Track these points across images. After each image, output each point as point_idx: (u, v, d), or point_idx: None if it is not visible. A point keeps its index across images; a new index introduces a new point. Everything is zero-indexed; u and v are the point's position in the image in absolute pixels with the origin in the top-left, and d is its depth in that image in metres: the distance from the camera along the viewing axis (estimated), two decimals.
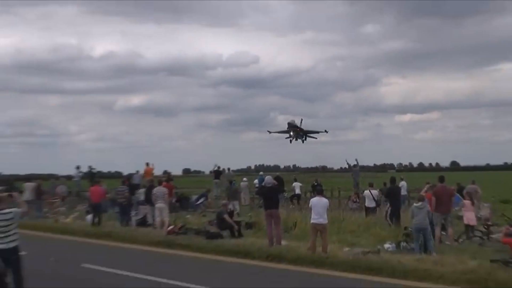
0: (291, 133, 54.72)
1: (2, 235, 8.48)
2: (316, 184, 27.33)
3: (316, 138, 58.12)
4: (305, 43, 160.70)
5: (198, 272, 12.69)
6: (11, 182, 26.70)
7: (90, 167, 29.79)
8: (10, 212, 8.73)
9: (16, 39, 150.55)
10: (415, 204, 14.53)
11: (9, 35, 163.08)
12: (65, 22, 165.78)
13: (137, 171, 27.16)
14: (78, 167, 29.90)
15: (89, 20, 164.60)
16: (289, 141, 56.11)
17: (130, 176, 26.80)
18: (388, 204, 19.33)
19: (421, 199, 14.71)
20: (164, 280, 11.23)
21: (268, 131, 58.02)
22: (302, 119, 56.18)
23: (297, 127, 54.05)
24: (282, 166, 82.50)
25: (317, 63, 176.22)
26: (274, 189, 15.80)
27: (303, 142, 55.96)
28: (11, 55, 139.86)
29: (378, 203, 22.21)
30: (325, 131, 54.87)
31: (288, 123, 54.54)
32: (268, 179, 16.58)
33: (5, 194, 11.18)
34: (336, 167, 64.02)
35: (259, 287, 11.14)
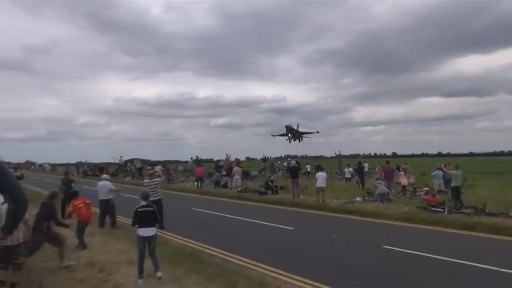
0: (289, 135, 59.69)
1: (153, 192, 11.91)
2: (318, 165, 34.96)
3: (309, 138, 62.36)
4: (310, 89, 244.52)
5: (254, 213, 17.12)
6: (154, 164, 37.67)
7: (197, 156, 41.47)
8: (156, 180, 13.23)
9: (159, 89, 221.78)
10: (376, 182, 18.89)
11: (155, 87, 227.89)
12: (184, 80, 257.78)
13: (222, 160, 35.50)
14: (192, 157, 42.24)
15: (197, 79, 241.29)
16: (290, 141, 60.77)
17: (218, 161, 35.49)
18: (357, 176, 25.91)
19: (378, 178, 19.56)
20: (230, 215, 16.04)
21: (272, 135, 63.43)
22: (298, 124, 61.25)
23: (293, 129, 59.09)
24: (299, 155, 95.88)
25: (317, 100, 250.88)
26: (296, 168, 21.50)
27: (299, 141, 60.69)
28: (155, 98, 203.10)
29: (352, 176, 28.63)
30: (317, 131, 59.93)
31: (286, 126, 59.14)
32: (293, 162, 22.74)
33: (152, 171, 17.00)
34: (328, 156, 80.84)
35: (289, 220, 14.89)
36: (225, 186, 26.11)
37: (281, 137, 61.73)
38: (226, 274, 7.87)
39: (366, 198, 19.05)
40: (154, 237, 7.61)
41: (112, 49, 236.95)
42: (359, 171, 26.07)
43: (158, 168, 30.04)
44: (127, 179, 37.02)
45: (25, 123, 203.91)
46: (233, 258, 9.52)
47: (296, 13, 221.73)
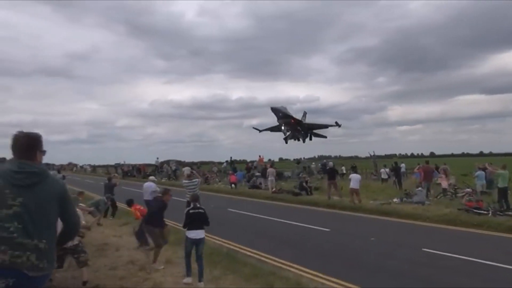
0: (283, 127, 37.21)
1: (191, 191, 12.26)
2: (353, 166, 34.40)
3: (325, 137, 40.76)
4: (343, 89, 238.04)
5: (288, 213, 17.11)
6: (191, 165, 38.37)
7: (231, 157, 41.03)
8: (195, 181, 13.46)
9: (193, 92, 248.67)
10: (417, 189, 18.32)
11: (189, 89, 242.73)
12: (217, 82, 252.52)
13: (255, 161, 36.61)
14: (226, 160, 42.03)
15: (229, 80, 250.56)
16: (293, 140, 39.75)
17: (251, 162, 36.56)
18: (394, 177, 25.21)
19: (419, 186, 19.17)
20: (266, 216, 16.05)
21: (258, 129, 40.82)
22: (305, 112, 40.22)
23: (290, 117, 36.23)
24: (332, 155, 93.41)
25: (350, 99, 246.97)
26: (333, 169, 21.35)
27: (304, 141, 39.38)
28: (189, 100, 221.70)
29: (389, 176, 27.86)
30: (336, 123, 36.39)
31: (272, 108, 35.58)
32: (330, 164, 22.88)
33: (192, 171, 17.30)
34: (362, 156, 79.79)
35: (324, 221, 14.66)
36: (259, 187, 26.24)
37: (274, 133, 40.14)
38: (262, 274, 7.88)
39: (403, 199, 18.60)
40: (202, 240, 7.61)
41: (148, 54, 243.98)
42: (396, 171, 25.58)
43: (186, 169, 30.23)
44: (163, 180, 37.90)
45: (67, 127, 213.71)
46: (269, 258, 9.51)
47: (328, 13, 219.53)
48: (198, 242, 7.47)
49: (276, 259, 9.41)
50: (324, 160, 41.92)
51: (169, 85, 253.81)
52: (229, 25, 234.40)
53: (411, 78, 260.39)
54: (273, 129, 39.28)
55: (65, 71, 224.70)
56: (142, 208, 10.73)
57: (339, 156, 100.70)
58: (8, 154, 2.96)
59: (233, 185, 27.54)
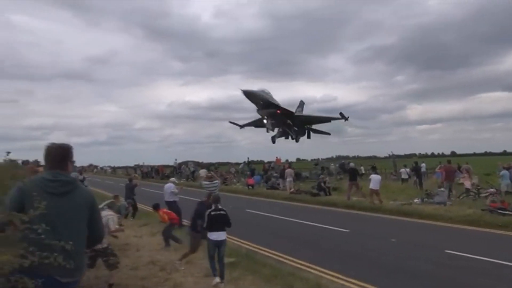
0: (265, 121, 30.51)
1: (211, 193, 12.26)
2: (373, 166, 33.36)
3: (328, 134, 34.93)
4: (361, 88, 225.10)
5: (307, 214, 16.97)
6: (209, 166, 39.00)
7: (248, 158, 41.14)
8: (215, 182, 13.66)
9: (209, 93, 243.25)
10: (439, 190, 18.15)
11: (206, 91, 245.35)
12: (234, 83, 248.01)
13: (272, 161, 36.62)
14: (244, 161, 42.09)
15: (246, 81, 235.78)
16: (275, 140, 34.11)
17: (269, 162, 36.77)
18: (415, 177, 24.75)
19: (441, 186, 18.86)
20: (277, 216, 15.91)
21: (232, 123, 36.56)
22: (302, 102, 34.30)
23: (273, 106, 29.15)
24: (350, 155, 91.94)
25: (368, 99, 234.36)
26: (355, 170, 21.12)
27: (297, 140, 33.23)
28: (206, 101, 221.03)
29: (409, 176, 27.28)
30: (342, 115, 29.96)
31: (246, 93, 27.34)
32: (352, 164, 22.58)
33: (211, 173, 17.38)
34: (381, 156, 78.49)
35: (343, 222, 14.62)
36: (277, 187, 26.20)
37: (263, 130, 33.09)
38: (282, 275, 7.86)
39: (424, 199, 18.27)
40: (224, 242, 7.56)
41: (165, 56, 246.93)
42: (417, 171, 25.16)
43: (202, 171, 30.43)
44: (182, 181, 38.25)
45: (87, 129, 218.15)
46: (288, 259, 9.50)
47: (344, 11, 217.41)
48: (220, 244, 7.44)
49: (295, 259, 9.38)
50: (343, 161, 41.48)
51: (186, 87, 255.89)
52: (245, 26, 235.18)
53: (431, 76, 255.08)
54: (257, 123, 32.72)
55: (85, 74, 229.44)
56: (168, 211, 10.90)
57: (357, 156, 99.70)
58: (32, 156, 3.10)
59: (250, 186, 27.55)
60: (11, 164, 8.43)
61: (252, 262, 8.80)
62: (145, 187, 26.52)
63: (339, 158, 63.99)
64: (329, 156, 76.79)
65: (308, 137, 34.15)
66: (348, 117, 30.55)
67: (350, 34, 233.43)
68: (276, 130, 33.08)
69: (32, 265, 2.50)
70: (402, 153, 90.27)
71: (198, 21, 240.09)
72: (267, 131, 32.11)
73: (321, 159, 45.28)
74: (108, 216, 6.75)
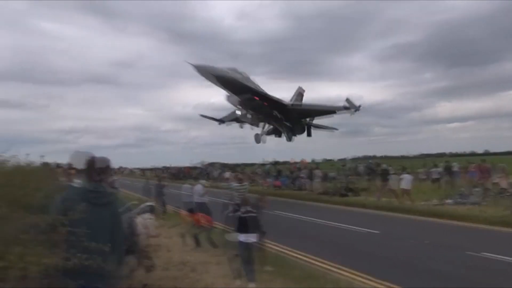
0: (238, 112, 24.57)
1: (240, 195, 11.80)
2: (403, 167, 32.77)
3: (335, 129, 31.38)
4: (387, 86, 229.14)
5: (335, 215, 16.68)
6: (235, 167, 39.33)
7: (274, 159, 41.63)
8: (245, 185, 13.93)
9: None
10: (474, 189, 17.90)
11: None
12: (258, 84, 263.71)
13: (298, 162, 36.37)
14: (270, 162, 43.17)
15: (269, 82, 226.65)
16: (259, 139, 27.89)
17: (295, 163, 36.20)
18: (447, 177, 23.88)
19: (475, 186, 18.53)
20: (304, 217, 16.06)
21: (206, 117, 30.56)
22: (301, 88, 28.86)
23: (250, 90, 22.28)
24: (378, 155, 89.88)
25: (395, 97, 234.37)
26: (386, 170, 20.83)
27: (289, 138, 27.60)
28: None
29: (441, 176, 26.24)
30: (349, 103, 22.86)
31: (200, 68, 20.45)
32: (384, 165, 22.16)
33: (240, 175, 17.43)
34: (410, 155, 77.14)
35: (373, 223, 14.48)
36: (304, 188, 26.04)
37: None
38: (312, 277, 7.82)
39: (458, 200, 17.72)
40: (255, 244, 7.50)
41: (190, 59, 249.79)
42: (448, 170, 24.41)
43: (228, 174, 30.46)
44: (209, 182, 38.65)
45: (116, 132, 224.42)
46: (318, 261, 9.40)
47: (368, 9, 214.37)
48: (251, 246, 7.41)
49: (326, 261, 9.27)
50: (370, 161, 40.65)
51: (211, 88, 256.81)
52: (267, 27, 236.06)
53: (460, 73, 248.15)
54: (240, 118, 25.81)
55: (112, 78, 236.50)
56: (205, 215, 11.01)
57: (385, 155, 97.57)
58: (64, 159, 3.28)
59: (276, 188, 27.39)
60: (46, 167, 8.78)
61: (281, 264, 8.75)
62: (173, 189, 26.86)
63: (366, 158, 62.88)
64: (356, 156, 75.30)
65: (309, 134, 27.30)
66: (359, 106, 22.44)
67: (374, 32, 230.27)
68: (263, 126, 26.23)
69: (74, 267, 2.58)
70: (432, 152, 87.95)
71: (221, 23, 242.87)
72: (241, 126, 26.28)
73: (348, 159, 44.62)
74: (147, 219, 6.84)
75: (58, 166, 11.71)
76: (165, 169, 55.14)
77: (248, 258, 7.34)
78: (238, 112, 24.58)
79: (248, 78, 22.81)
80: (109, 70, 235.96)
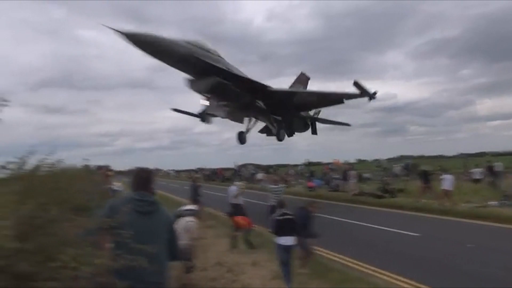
0: (205, 102, 17.67)
1: (277, 197, 12.33)
2: (443, 168, 31.61)
3: (348, 125, 25.85)
4: (423, 84, 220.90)
5: (372, 217, 16.49)
6: (267, 168, 39.28)
7: (307, 160, 41.64)
8: (281, 186, 14.38)
9: None
10: None
11: None
12: (288, 84, 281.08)
13: (331, 163, 36.40)
14: (304, 163, 43.62)
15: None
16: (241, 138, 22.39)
17: (329, 164, 36.56)
18: (490, 177, 23.00)
19: None
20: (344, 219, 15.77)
21: (178, 110, 23.48)
22: (304, 74, 24.26)
23: (214, 68, 16.32)
24: (415, 155, 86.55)
25: (431, 95, 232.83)
26: (427, 172, 20.05)
27: (280, 137, 21.82)
28: None
29: (484, 176, 25.15)
30: (358, 87, 16.67)
31: (127, 35, 13.44)
32: (426, 166, 21.63)
33: (277, 177, 17.40)
34: (449, 154, 74.11)
35: (412, 225, 14.17)
36: (338, 189, 25.70)
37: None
38: (349, 280, 7.71)
39: (503, 201, 16.94)
40: (293, 247, 7.45)
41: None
42: (491, 171, 23.39)
43: (261, 175, 30.44)
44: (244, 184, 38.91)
45: (151, 134, 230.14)
46: (355, 264, 9.25)
47: (401, 5, 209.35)
48: (289, 249, 7.35)
49: (363, 264, 9.11)
50: (407, 161, 39.51)
51: None
52: (298, 27, 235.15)
53: (501, 68, 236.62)
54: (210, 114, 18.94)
55: (147, 82, 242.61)
56: (245, 217, 11.12)
57: (422, 155, 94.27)
58: (102, 161, 3.42)
59: (310, 189, 27.06)
60: (88, 169, 9.11)
61: (318, 266, 8.67)
62: (207, 190, 27.24)
63: (402, 158, 61.02)
64: (391, 156, 73.12)
65: (314, 131, 22.20)
66: (375, 93, 16.88)
67: (408, 29, 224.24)
68: (248, 122, 20.62)
69: (122, 268, 2.65)
70: (472, 151, 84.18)
71: (250, 25, 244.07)
72: (205, 120, 18.81)
73: (382, 159, 43.51)
74: (189, 221, 6.96)
75: (99, 168, 12.11)
76: (200, 170, 55.95)
77: (286, 260, 7.28)
78: (205, 103, 17.37)
79: (218, 58, 16.81)
80: (144, 74, 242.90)
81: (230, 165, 50.33)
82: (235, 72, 17.71)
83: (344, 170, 27.39)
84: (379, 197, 20.91)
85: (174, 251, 3.51)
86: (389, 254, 10.34)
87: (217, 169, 53.02)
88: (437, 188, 18.26)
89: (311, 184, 27.60)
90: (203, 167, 57.59)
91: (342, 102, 18.94)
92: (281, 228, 7.43)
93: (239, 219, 10.86)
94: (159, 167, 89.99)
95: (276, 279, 7.67)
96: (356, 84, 16.45)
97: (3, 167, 2.80)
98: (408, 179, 28.13)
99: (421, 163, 36.44)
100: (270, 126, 21.83)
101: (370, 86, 17.24)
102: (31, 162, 3.01)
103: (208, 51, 16.43)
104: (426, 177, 19.17)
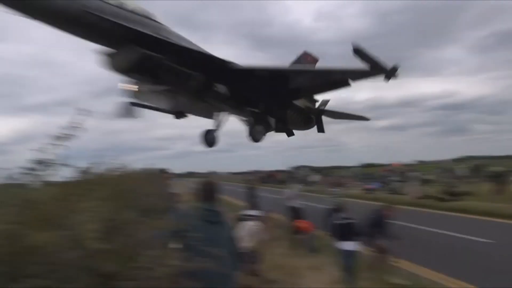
0: (138, 86, 11.39)
1: (334, 199, 13.97)
2: None
3: (367, 119, 17.89)
4: (486, 79, 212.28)
5: (436, 221, 15.64)
6: (321, 170, 39.01)
7: (363, 162, 37.91)
8: (336, 190, 14.77)
9: (316, 96, 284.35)
10: None
11: None
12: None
13: (389, 164, 35.33)
14: (359, 165, 42.92)
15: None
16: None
17: (387, 165, 36.05)
18: None
19: None
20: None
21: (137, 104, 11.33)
22: (307, 52, 16.18)
23: (145, 37, 9.70)
24: (480, 155, 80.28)
25: (497, 90, 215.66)
26: (501, 174, 19.26)
27: (255, 138, 14.01)
28: None
29: None
30: (376, 66, 9.42)
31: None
32: (500, 168, 20.40)
33: (333, 180, 17.12)
34: None
35: (483, 231, 13.34)
36: (398, 192, 24.40)
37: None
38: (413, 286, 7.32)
39: None
40: (356, 252, 7.28)
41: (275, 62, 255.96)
42: None
43: (316, 177, 30.03)
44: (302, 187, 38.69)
45: None
46: (422, 271, 8.82)
47: None
48: (351, 254, 7.20)
49: (431, 271, 8.67)
50: (476, 162, 36.96)
51: None
52: (348, 26, 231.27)
53: None
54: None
55: None
56: (308, 222, 11.19)
57: (489, 155, 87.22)
58: (160, 165, 3.64)
59: (368, 191, 26.20)
60: (152, 172, 9.51)
61: (381, 272, 8.31)
62: (263, 192, 27.33)
63: (467, 159, 57.15)
64: (453, 157, 68.37)
65: (320, 129, 15.51)
66: (395, 69, 9.92)
67: (467, 21, 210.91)
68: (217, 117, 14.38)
69: (195, 270, 2.72)
70: None
71: (299, 26, 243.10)
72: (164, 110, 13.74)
73: (447, 160, 41.07)
74: (253, 226, 7.03)
75: (162, 171, 12.60)
76: (255, 172, 56.51)
77: (349, 266, 7.15)
78: (131, 88, 11.73)
79: (157, 27, 10.62)
80: None
81: (284, 167, 50.30)
82: (174, 41, 10.80)
83: (403, 172, 26.32)
84: (443, 200, 19.89)
85: (236, 258, 3.75)
86: (460, 261, 9.80)
87: (272, 171, 53.18)
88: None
89: (369, 186, 26.80)
90: (259, 169, 58.06)
91: (347, 84, 11.98)
92: (343, 233, 7.27)
93: (300, 222, 10.77)
94: (215, 169, 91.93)
95: (336, 283, 7.49)
96: (357, 51, 9.56)
97: (85, 172, 2.97)
98: (474, 181, 26.35)
99: (489, 164, 33.88)
100: (242, 118, 15.06)
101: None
102: (103, 167, 3.21)
103: (138, 14, 10.10)
104: (498, 179, 17.78)
